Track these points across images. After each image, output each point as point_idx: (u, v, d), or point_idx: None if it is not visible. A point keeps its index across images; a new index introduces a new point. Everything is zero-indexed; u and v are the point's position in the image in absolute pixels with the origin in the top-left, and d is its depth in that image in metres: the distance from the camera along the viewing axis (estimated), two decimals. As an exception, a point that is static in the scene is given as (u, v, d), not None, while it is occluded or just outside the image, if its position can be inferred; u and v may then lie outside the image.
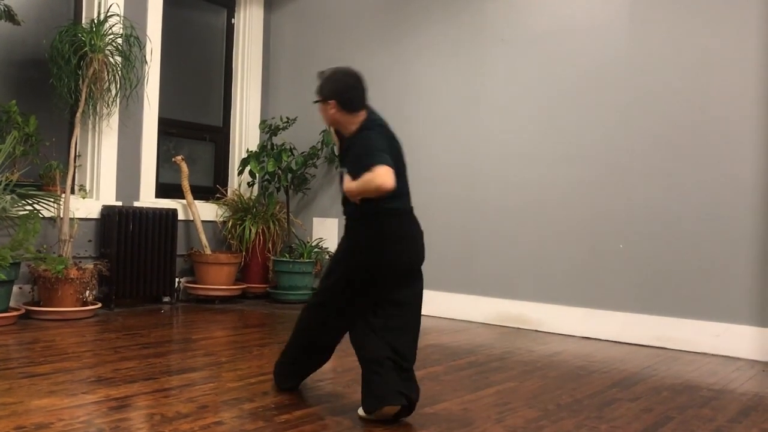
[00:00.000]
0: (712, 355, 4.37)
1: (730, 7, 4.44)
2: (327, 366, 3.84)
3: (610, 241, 4.81)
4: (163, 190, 5.92)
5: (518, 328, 5.12)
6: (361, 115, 2.98)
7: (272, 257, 6.10)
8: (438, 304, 5.55)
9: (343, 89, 2.96)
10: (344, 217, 3.00)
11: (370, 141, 2.85)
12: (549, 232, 5.10)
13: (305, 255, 6.03)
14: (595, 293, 4.86)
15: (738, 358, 4.28)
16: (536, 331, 5.06)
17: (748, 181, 4.35)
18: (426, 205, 5.87)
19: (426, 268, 5.65)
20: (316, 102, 3.01)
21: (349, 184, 2.79)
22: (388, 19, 5.99)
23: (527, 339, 4.76)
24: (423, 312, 5.81)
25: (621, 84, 4.84)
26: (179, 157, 5.86)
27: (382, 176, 2.67)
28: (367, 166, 2.70)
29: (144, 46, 5.42)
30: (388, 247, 2.87)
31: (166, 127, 6.03)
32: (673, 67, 4.65)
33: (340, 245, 3.05)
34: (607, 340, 4.74)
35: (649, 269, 4.69)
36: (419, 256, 3.01)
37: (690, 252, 4.54)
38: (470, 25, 5.52)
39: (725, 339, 4.37)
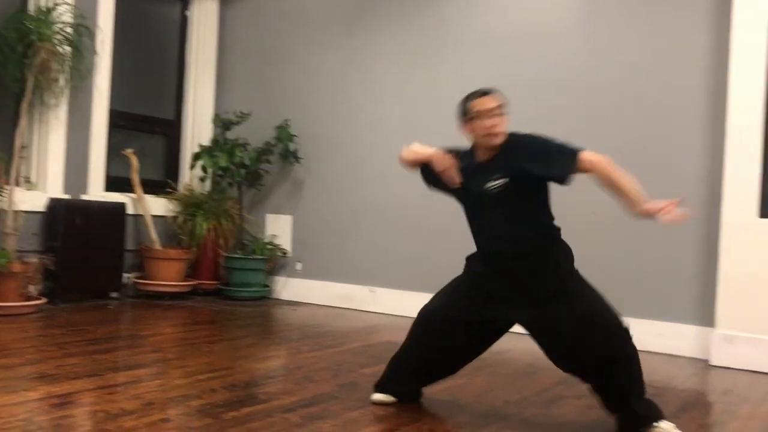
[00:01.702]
0: (656, 353, 4.47)
1: (679, 10, 4.55)
2: (278, 362, 3.84)
3: (559, 240, 4.89)
4: (112, 184, 5.80)
5: (469, 326, 5.16)
6: None
7: (224, 253, 6.04)
8: (391, 302, 5.57)
9: None
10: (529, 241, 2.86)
11: (544, 137, 2.91)
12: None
13: (258, 251, 5.98)
14: (544, 292, 4.92)
15: (680, 356, 4.39)
16: (487, 329, 5.11)
17: (692, 184, 4.47)
18: (381, 205, 5.90)
19: (381, 266, 5.70)
20: (507, 113, 2.87)
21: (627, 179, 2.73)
22: (345, 17, 5.98)
23: (478, 337, 4.79)
24: (377, 309, 5.84)
25: (576, 88, 4.92)
26: (129, 151, 5.75)
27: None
28: (574, 151, 2.79)
29: (94, 36, 5.30)
30: None
31: (117, 120, 5.91)
32: (625, 71, 4.75)
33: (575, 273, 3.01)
34: (556, 338, 4.82)
35: (598, 270, 4.74)
36: None
37: (636, 254, 4.64)
38: (427, 26, 5.55)
39: (668, 338, 4.48)
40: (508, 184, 2.75)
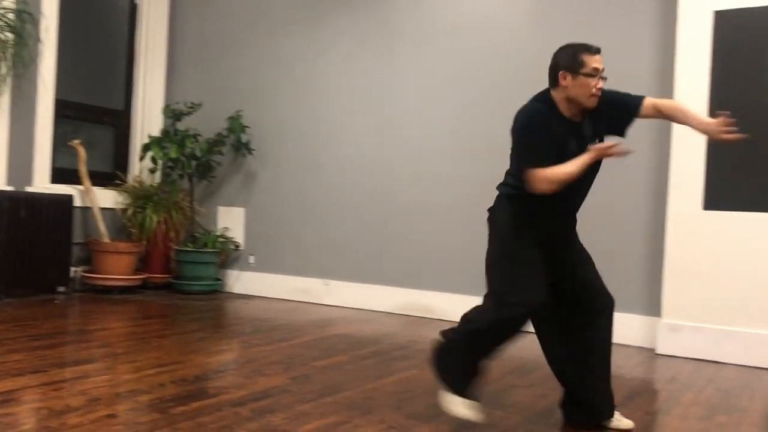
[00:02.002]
0: (605, 342, 4.55)
1: (627, 4, 4.63)
2: (230, 356, 3.79)
3: (511, 232, 4.94)
4: (58, 175, 5.66)
5: (423, 318, 5.20)
6: None
7: (175, 247, 5.94)
8: (346, 295, 5.56)
9: None
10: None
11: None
12: (455, 225, 5.19)
13: (209, 244, 5.90)
14: (496, 283, 4.97)
15: (628, 346, 4.48)
16: (440, 320, 5.14)
17: (640, 177, 4.56)
18: (335, 197, 5.87)
19: (335, 259, 5.68)
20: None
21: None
22: (299, 7, 5.92)
23: (431, 328, 4.81)
24: (332, 302, 5.83)
25: (523, 79, 4.95)
26: (76, 141, 5.61)
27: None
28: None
29: (38, 23, 5.15)
30: None
31: (63, 110, 5.75)
32: (573, 65, 4.81)
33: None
34: (507, 329, 4.87)
35: (548, 260, 4.84)
36: None
37: (585, 245, 4.70)
38: (381, 17, 5.54)
39: (616, 327, 4.55)
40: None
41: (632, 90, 4.67)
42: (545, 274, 2.71)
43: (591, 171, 2.73)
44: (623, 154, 2.63)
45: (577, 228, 4.90)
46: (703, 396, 3.31)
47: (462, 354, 2.74)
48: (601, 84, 2.71)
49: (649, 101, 2.83)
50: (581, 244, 3.00)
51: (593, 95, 2.70)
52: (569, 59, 2.71)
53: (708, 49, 4.24)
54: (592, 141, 2.76)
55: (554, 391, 3.25)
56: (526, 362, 3.87)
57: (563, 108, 2.75)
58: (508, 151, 5.33)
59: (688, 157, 4.27)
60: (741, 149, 4.14)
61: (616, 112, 2.80)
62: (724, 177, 4.19)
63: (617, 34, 4.67)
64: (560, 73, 2.71)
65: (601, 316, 2.86)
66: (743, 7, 4.17)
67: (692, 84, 4.27)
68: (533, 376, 3.54)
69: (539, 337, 2.91)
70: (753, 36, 4.15)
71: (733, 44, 4.19)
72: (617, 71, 4.65)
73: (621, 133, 2.86)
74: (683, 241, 4.27)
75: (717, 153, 4.19)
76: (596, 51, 2.73)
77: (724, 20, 4.21)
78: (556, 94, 2.77)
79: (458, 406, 2.64)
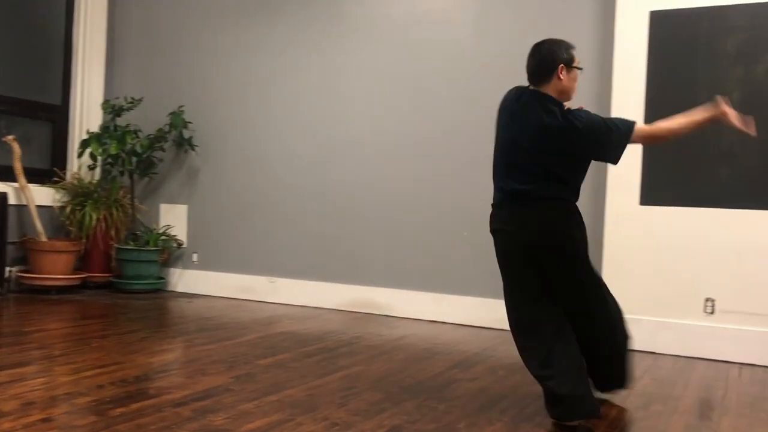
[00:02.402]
0: (547, 335, 4.64)
1: (566, 5, 4.71)
2: (172, 356, 3.73)
3: (455, 229, 4.99)
4: (-8, 173, 5.48)
5: (368, 314, 5.21)
6: None
7: (115, 245, 5.82)
8: (292, 292, 5.53)
9: None
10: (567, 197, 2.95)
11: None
12: (399, 221, 5.22)
13: (151, 242, 5.80)
14: (441, 278, 5.03)
15: (569, 338, 4.57)
16: (386, 315, 5.17)
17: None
18: (280, 194, 5.83)
19: (281, 256, 5.65)
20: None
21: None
22: (241, 1, 5.85)
23: (377, 324, 4.85)
24: (278, 300, 5.79)
25: (466, 76, 5.02)
26: (11, 137, 5.44)
27: None
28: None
29: (-31, 15, 4.97)
30: None
31: (-4, 104, 5.57)
32: (515, 64, 4.86)
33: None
34: (452, 323, 4.93)
35: (492, 256, 4.90)
36: None
37: (528, 239, 4.79)
38: (324, 12, 5.51)
39: (558, 320, 4.66)
40: None
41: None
42: None
43: None
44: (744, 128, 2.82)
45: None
46: (640, 386, 3.41)
47: None
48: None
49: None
50: None
51: (574, 91, 2.85)
52: (566, 53, 2.82)
53: (644, 48, 4.35)
54: None
55: (496, 384, 3.31)
56: (469, 356, 3.92)
57: None
58: (448, 147, 5.38)
59: (625, 153, 4.36)
60: (675, 146, 4.28)
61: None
62: (659, 173, 4.31)
63: (558, 32, 4.73)
64: (560, 66, 2.79)
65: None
66: (678, 8, 4.29)
67: (629, 82, 4.38)
68: (476, 370, 3.58)
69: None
70: (687, 36, 4.27)
71: (668, 44, 4.31)
72: (557, 69, 4.75)
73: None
74: (620, 236, 4.38)
75: (653, 151, 4.31)
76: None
77: (659, 20, 4.33)
78: (548, 89, 2.84)
79: None
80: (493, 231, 2.97)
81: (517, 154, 2.85)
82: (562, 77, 2.80)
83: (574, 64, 2.82)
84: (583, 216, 4.61)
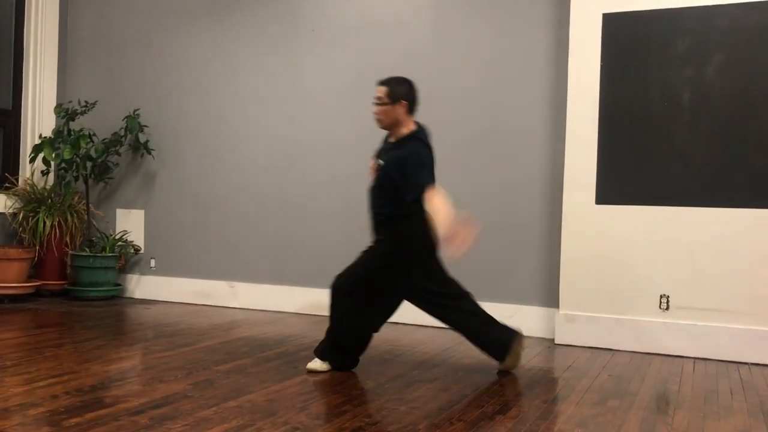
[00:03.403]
0: (507, 334, 4.68)
1: (522, 9, 4.77)
2: (129, 363, 3.67)
3: (415, 229, 5.00)
4: (-61, 179, 5.33)
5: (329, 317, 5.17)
6: (412, 122, 3.50)
7: (70, 252, 5.70)
8: (251, 297, 5.49)
9: (414, 94, 3.49)
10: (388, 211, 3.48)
11: (425, 156, 3.43)
12: (359, 224, 5.20)
13: (108, 249, 5.69)
14: (402, 280, 5.03)
15: (528, 337, 4.59)
16: (347, 319, 5.15)
17: (537, 174, 4.71)
18: (237, 198, 5.77)
19: (239, 261, 5.59)
20: (385, 104, 3.41)
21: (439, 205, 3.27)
22: (199, 3, 5.79)
23: (338, 327, 4.82)
24: (238, 305, 5.74)
25: (423, 78, 5.01)
26: (-41, 143, 5.30)
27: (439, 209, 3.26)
28: (423, 184, 3.30)
29: None
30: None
31: (-57, 109, 5.42)
32: (471, 66, 4.92)
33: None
34: (413, 324, 4.93)
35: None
36: None
37: (486, 240, 4.82)
38: (282, 14, 5.49)
39: (517, 319, 4.70)
40: (382, 169, 3.43)
41: (527, 89, 4.84)
42: None
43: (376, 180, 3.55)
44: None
45: (477, 223, 5.04)
46: (597, 382, 3.46)
47: None
48: (374, 109, 3.47)
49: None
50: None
51: (375, 118, 3.49)
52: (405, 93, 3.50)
53: (598, 49, 4.42)
54: (381, 158, 3.50)
55: (457, 384, 3.33)
56: (430, 357, 3.94)
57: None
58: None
59: (581, 154, 4.45)
60: (629, 147, 4.36)
61: (394, 167, 3.42)
62: (614, 173, 4.39)
63: (514, 34, 4.80)
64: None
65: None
66: (630, 10, 4.37)
67: (584, 82, 4.45)
68: (436, 371, 3.60)
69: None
70: (639, 37, 4.36)
71: (621, 45, 4.39)
72: (514, 71, 4.81)
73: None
74: (577, 235, 4.45)
75: (608, 151, 4.38)
76: (378, 83, 3.48)
77: (612, 22, 4.41)
78: None
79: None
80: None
81: None
82: None
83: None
84: (540, 215, 4.69)
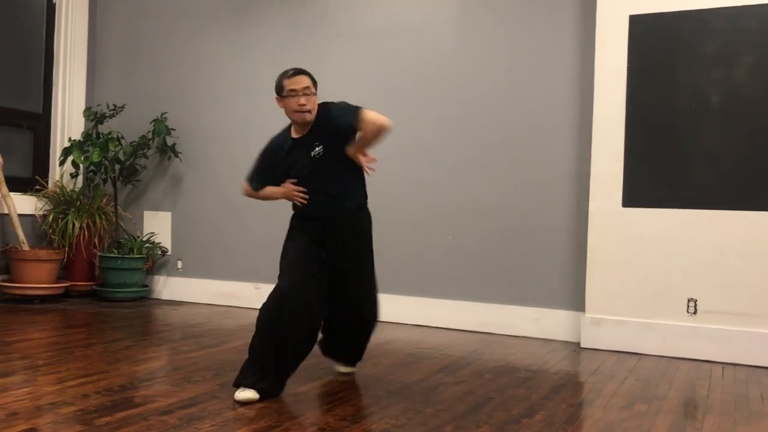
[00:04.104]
0: (532, 338, 4.67)
1: (548, 7, 4.75)
2: (157, 364, 3.72)
3: (439, 233, 5.01)
4: (-28, 182, 5.43)
5: (354, 319, 5.19)
6: None
7: (99, 253, 5.78)
8: (275, 298, 5.52)
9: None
10: (343, 206, 3.21)
11: (342, 102, 3.23)
12: (382, 225, 5.21)
13: (135, 250, 5.77)
14: (426, 283, 5.04)
15: (554, 340, 4.61)
16: (371, 321, 5.16)
17: (563, 176, 4.69)
18: (264, 201, 5.79)
19: (264, 262, 5.62)
20: (314, 94, 3.19)
21: (376, 117, 3.06)
22: (225, 7, 5.85)
23: (362, 329, 4.84)
24: (261, 306, 5.73)
25: (450, 83, 5.04)
26: (-9, 146, 5.40)
27: (375, 113, 3.07)
28: (357, 109, 3.10)
29: (-52, 23, 4.93)
30: None
31: (-23, 113, 5.53)
32: (497, 68, 4.91)
33: (367, 233, 3.34)
34: (438, 327, 4.94)
35: (475, 259, 4.94)
36: None
37: (513, 244, 4.82)
38: (308, 18, 5.52)
39: (543, 323, 4.69)
40: (324, 151, 3.13)
41: (553, 92, 4.83)
42: None
43: (317, 174, 3.17)
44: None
45: (499, 227, 5.04)
46: (624, 386, 3.44)
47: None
48: (303, 100, 3.10)
49: (361, 119, 3.10)
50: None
51: (298, 111, 3.11)
52: (276, 87, 3.18)
53: (624, 51, 4.40)
54: (312, 150, 3.16)
55: (482, 387, 3.32)
56: (455, 360, 3.93)
57: (294, 130, 3.24)
58: (431, 152, 5.42)
59: (608, 157, 4.42)
60: (657, 149, 4.32)
61: (335, 129, 3.14)
62: (641, 176, 4.35)
63: (540, 36, 4.79)
64: (276, 101, 3.19)
65: None
66: (656, 12, 4.34)
67: (610, 84, 4.42)
68: (461, 373, 3.59)
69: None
70: (666, 39, 4.32)
71: (647, 47, 4.36)
72: (539, 73, 4.79)
73: (346, 143, 3.17)
74: (604, 238, 4.42)
75: (635, 153, 4.35)
76: (296, 73, 3.16)
77: (639, 24, 4.38)
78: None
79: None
80: None
81: None
82: (280, 106, 3.20)
83: (283, 93, 3.15)
84: (567, 218, 4.67)
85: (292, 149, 3.20)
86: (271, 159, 3.28)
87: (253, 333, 3.04)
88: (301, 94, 3.09)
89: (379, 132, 3.08)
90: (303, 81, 3.12)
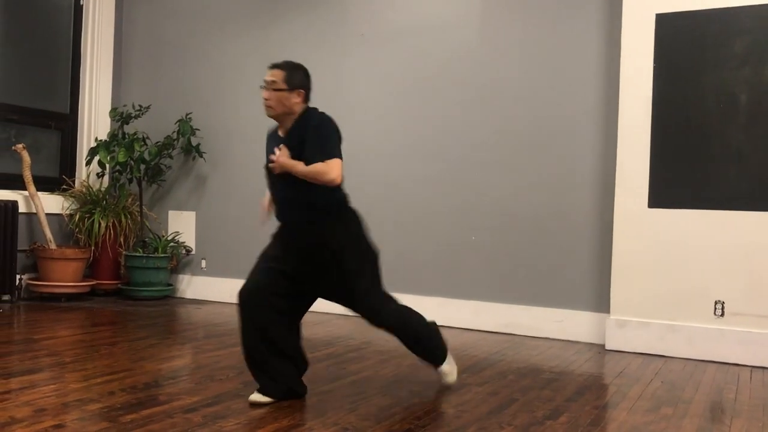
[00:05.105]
0: (555, 339, 4.64)
1: (573, 7, 4.72)
2: (181, 362, 3.75)
3: (463, 233, 4.99)
4: (2, 181, 5.52)
5: (377, 319, 5.20)
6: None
7: (124, 252, 5.84)
8: (298, 297, 5.53)
9: (311, 83, 3.14)
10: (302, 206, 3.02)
11: (332, 131, 3.03)
12: (405, 226, 5.22)
13: (160, 249, 5.82)
14: (449, 283, 5.02)
15: (578, 342, 4.57)
16: (394, 321, 5.16)
17: (588, 177, 4.65)
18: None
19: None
20: (280, 90, 3.02)
21: (297, 164, 2.90)
22: (250, 8, 5.88)
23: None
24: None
25: (472, 81, 5.02)
26: (20, 146, 5.47)
27: (338, 170, 2.93)
28: (329, 155, 2.92)
29: (-22, 25, 5.01)
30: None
31: (6, 113, 5.62)
32: (520, 68, 4.89)
33: (336, 236, 3.05)
34: (460, 328, 4.92)
35: (498, 260, 4.91)
36: None
37: (536, 244, 4.79)
38: (331, 18, 5.54)
39: (567, 324, 4.66)
40: (291, 154, 2.95)
41: (578, 92, 4.79)
42: None
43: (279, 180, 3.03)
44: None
45: (523, 227, 5.01)
46: (650, 389, 3.40)
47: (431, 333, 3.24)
48: (265, 94, 3.02)
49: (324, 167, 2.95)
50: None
51: (264, 105, 3.03)
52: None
53: (651, 50, 4.35)
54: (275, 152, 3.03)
55: (506, 388, 3.31)
56: (478, 360, 3.92)
57: (279, 126, 3.12)
58: (454, 150, 5.41)
59: (634, 157, 4.38)
60: (683, 149, 4.27)
61: (301, 145, 2.98)
62: (667, 176, 4.30)
63: (564, 35, 4.76)
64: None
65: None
66: (683, 10, 4.29)
67: (636, 83, 4.38)
68: (485, 374, 3.58)
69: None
70: (694, 37, 4.27)
71: (674, 46, 4.31)
72: (564, 73, 4.76)
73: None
74: (629, 240, 4.37)
75: (661, 153, 4.30)
76: (269, 67, 3.10)
77: (666, 22, 4.33)
78: None
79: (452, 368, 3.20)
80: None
81: None
82: None
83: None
84: (591, 219, 4.63)
85: (269, 144, 3.14)
86: (266, 148, 3.20)
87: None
88: (266, 87, 3.03)
89: (317, 178, 2.92)
90: (269, 74, 3.05)
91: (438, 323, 5.18)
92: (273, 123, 3.20)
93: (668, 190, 4.30)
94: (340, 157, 2.98)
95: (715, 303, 4.17)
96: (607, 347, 4.40)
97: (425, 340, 3.22)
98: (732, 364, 4.06)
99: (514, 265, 4.86)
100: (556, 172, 4.76)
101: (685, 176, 4.26)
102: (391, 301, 3.19)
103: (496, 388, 3.30)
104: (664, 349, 4.25)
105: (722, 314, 4.16)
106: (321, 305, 5.73)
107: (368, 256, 3.14)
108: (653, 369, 3.86)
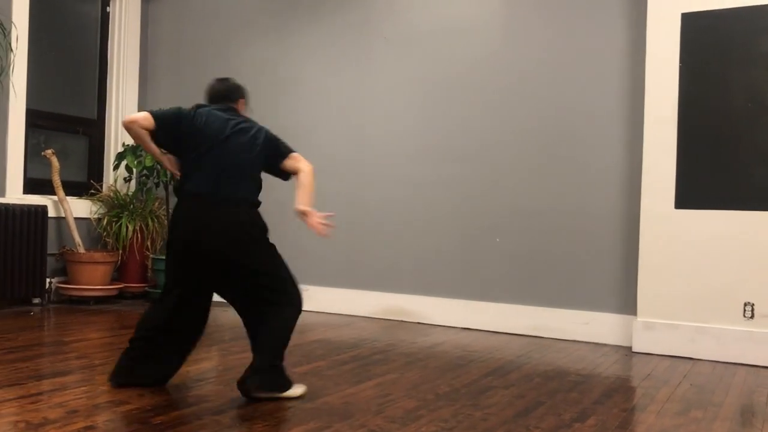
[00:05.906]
0: (582, 342, 4.61)
1: (597, 6, 4.69)
2: (209, 364, 3.78)
3: (487, 235, 4.99)
4: (32, 186, 5.61)
5: (401, 321, 5.21)
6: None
7: (151, 255, 5.91)
8: (322, 300, 5.56)
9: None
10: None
11: None
12: (430, 228, 5.22)
13: (186, 252, 5.86)
14: (474, 285, 5.02)
15: (604, 344, 4.54)
16: (419, 323, 5.17)
17: (613, 178, 4.62)
18: (314, 202, 5.84)
19: (312, 264, 5.67)
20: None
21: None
22: (272, 13, 5.93)
23: (410, 331, 4.85)
24: (312, 308, 5.80)
25: (497, 83, 5.02)
26: (49, 151, 5.56)
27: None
28: None
29: (9, 33, 5.10)
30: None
31: (36, 119, 5.71)
32: (544, 69, 4.87)
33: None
34: (486, 330, 4.91)
35: (524, 262, 4.90)
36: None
37: (561, 246, 4.77)
38: (355, 22, 5.56)
39: (593, 327, 4.63)
40: None
41: (602, 92, 4.77)
42: None
43: None
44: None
45: (548, 229, 5.01)
46: (679, 392, 3.37)
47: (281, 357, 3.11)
48: None
49: (291, 162, 3.57)
50: None
51: None
52: (247, 94, 3.60)
53: (676, 50, 4.31)
54: None
55: (532, 391, 3.30)
56: (504, 363, 3.91)
57: None
58: (479, 152, 5.40)
59: (660, 157, 4.35)
60: (710, 149, 4.23)
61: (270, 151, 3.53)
62: (694, 176, 4.26)
63: (588, 36, 4.73)
64: (242, 100, 3.57)
65: None
66: (709, 9, 4.25)
67: (662, 84, 4.34)
68: (511, 377, 3.57)
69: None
70: (719, 37, 4.23)
71: (700, 45, 4.27)
72: (588, 74, 4.73)
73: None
74: (656, 241, 4.34)
75: (687, 153, 4.26)
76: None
77: (691, 22, 4.29)
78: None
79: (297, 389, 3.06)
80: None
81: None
82: (243, 109, 3.55)
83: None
84: (617, 219, 4.60)
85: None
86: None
87: (299, 334, 3.11)
88: None
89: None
90: None
91: (464, 325, 5.19)
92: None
93: (695, 190, 4.26)
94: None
95: (745, 305, 4.12)
96: (634, 349, 4.36)
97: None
98: (762, 367, 4.00)
99: (539, 267, 4.84)
100: (581, 173, 4.74)
101: (713, 177, 4.22)
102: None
103: (523, 391, 3.29)
104: (692, 352, 4.21)
105: (752, 316, 4.11)
106: (347, 307, 5.74)
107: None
108: (681, 371, 3.83)
